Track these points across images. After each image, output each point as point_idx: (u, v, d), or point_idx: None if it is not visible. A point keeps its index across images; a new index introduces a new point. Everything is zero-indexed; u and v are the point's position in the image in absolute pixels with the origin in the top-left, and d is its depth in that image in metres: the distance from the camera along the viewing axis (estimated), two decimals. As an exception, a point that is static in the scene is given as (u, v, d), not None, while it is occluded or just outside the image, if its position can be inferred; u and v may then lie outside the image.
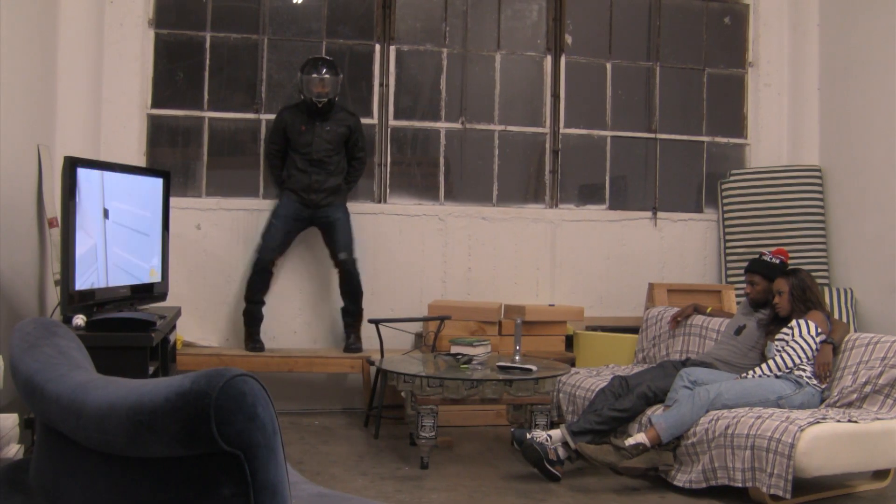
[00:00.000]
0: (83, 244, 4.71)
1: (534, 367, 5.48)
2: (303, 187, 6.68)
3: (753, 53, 8.02)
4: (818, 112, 7.78)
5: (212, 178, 7.12)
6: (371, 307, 6.96)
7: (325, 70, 6.67)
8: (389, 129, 7.35)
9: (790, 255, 5.91)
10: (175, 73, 7.15)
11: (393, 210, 7.28)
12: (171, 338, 5.63)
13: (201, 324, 6.92)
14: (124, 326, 4.54)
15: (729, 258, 7.64)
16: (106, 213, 5.02)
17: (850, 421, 4.68)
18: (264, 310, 6.86)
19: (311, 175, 6.68)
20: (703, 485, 4.83)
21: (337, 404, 7.13)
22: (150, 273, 5.68)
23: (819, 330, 5.20)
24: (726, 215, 7.70)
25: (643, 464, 4.93)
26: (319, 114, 6.69)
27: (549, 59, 7.66)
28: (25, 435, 4.22)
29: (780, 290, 5.38)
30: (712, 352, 5.75)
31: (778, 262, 5.62)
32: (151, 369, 4.70)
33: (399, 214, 7.28)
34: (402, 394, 5.87)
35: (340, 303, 6.93)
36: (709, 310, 6.38)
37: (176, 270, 6.53)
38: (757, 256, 5.79)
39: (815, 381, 5.13)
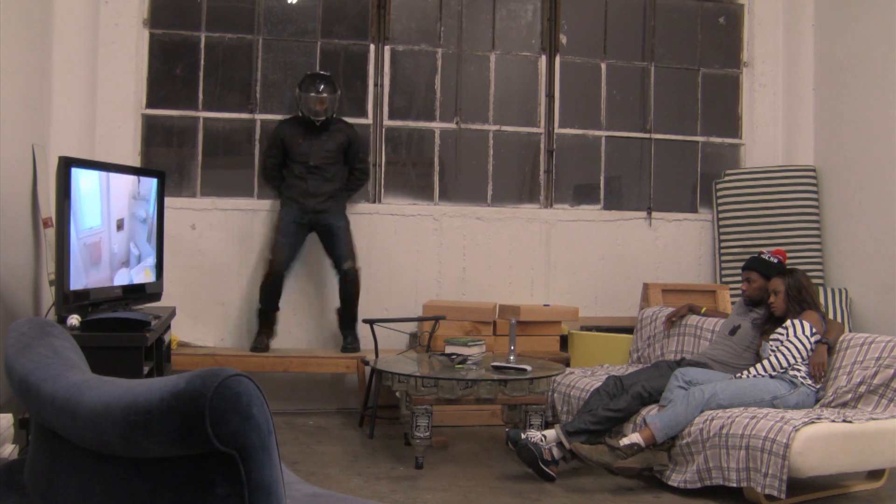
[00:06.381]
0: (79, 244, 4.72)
1: (528, 367, 5.48)
2: (300, 192, 6.67)
3: (748, 53, 8.03)
4: (813, 112, 7.79)
5: (206, 178, 7.12)
6: (366, 307, 6.96)
7: (322, 87, 6.67)
8: (384, 129, 7.35)
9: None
10: (170, 73, 7.14)
11: (388, 210, 7.28)
12: (166, 338, 5.63)
13: (196, 324, 6.91)
14: (119, 326, 4.54)
15: (724, 258, 7.65)
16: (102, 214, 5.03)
17: (844, 421, 4.68)
18: (278, 315, 6.89)
19: (308, 181, 6.67)
20: (698, 485, 4.83)
21: (332, 404, 7.13)
22: (144, 273, 5.68)
23: (814, 330, 5.21)
24: (721, 215, 7.71)
25: (638, 464, 4.93)
26: (317, 128, 6.69)
27: (543, 58, 7.66)
28: (20, 435, 4.22)
29: (776, 289, 5.39)
30: (707, 352, 5.75)
31: (776, 261, 5.63)
32: (146, 369, 4.70)
33: (394, 214, 7.28)
34: (397, 394, 5.88)
35: (336, 304, 6.93)
36: (703, 310, 6.39)
37: (171, 270, 6.52)
38: (756, 255, 5.81)
39: (809, 382, 5.14)
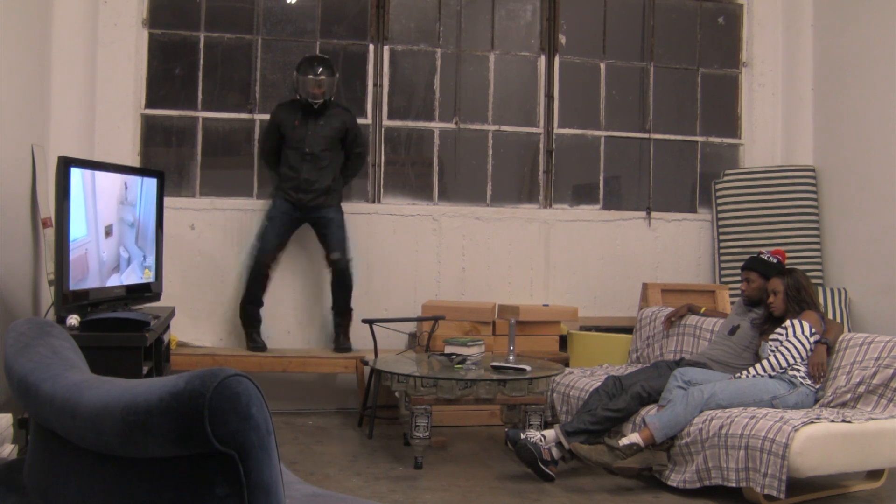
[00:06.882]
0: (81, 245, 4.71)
1: (528, 367, 5.48)
2: (293, 187, 6.66)
3: (747, 53, 8.04)
4: (812, 112, 7.79)
5: (206, 178, 7.11)
6: (365, 307, 6.96)
7: (321, 70, 6.65)
8: (383, 129, 7.35)
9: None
10: (169, 73, 7.14)
11: (387, 210, 7.28)
12: (166, 338, 5.63)
13: (195, 324, 6.91)
14: (118, 326, 4.54)
15: (723, 258, 7.65)
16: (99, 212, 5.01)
17: (844, 421, 4.68)
18: (262, 311, 6.87)
19: (302, 173, 6.65)
20: (697, 485, 4.83)
21: (331, 404, 7.13)
22: (144, 273, 5.68)
23: (813, 330, 5.21)
24: (720, 215, 7.71)
25: (637, 464, 4.93)
26: (314, 112, 6.68)
27: (542, 58, 7.66)
28: (20, 435, 4.22)
29: (776, 289, 5.39)
30: (706, 352, 5.75)
31: (775, 261, 5.63)
32: (145, 369, 4.70)
33: (393, 214, 7.28)
34: (396, 394, 5.88)
35: (332, 302, 6.94)
36: (703, 310, 6.39)
37: (170, 270, 6.52)
38: (755, 255, 5.81)
39: (809, 382, 5.14)
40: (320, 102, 6.64)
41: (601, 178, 7.80)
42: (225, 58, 7.22)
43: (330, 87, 6.69)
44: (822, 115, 7.71)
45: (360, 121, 7.17)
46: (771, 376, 5.17)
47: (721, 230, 7.70)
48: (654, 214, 7.77)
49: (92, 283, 4.96)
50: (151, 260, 5.80)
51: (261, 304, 6.83)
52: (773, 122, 8.00)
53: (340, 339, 6.87)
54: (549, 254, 7.54)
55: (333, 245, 6.77)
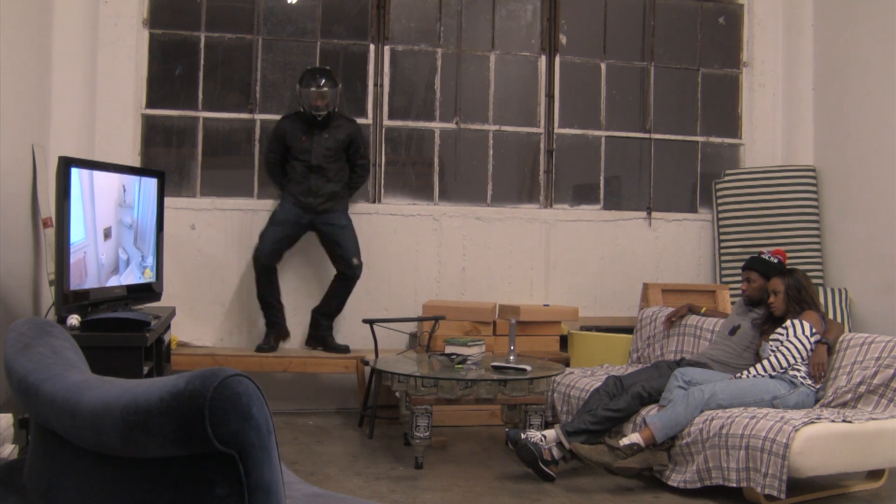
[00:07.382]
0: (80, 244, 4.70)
1: (528, 367, 5.48)
2: (301, 191, 6.66)
3: (748, 53, 8.03)
4: (812, 112, 7.79)
5: (206, 178, 7.11)
6: (365, 307, 6.97)
7: (323, 82, 6.64)
8: (384, 129, 7.35)
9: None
10: (169, 73, 7.14)
11: (387, 210, 7.28)
12: (166, 338, 5.63)
13: (196, 324, 6.91)
14: (119, 326, 4.54)
15: (723, 258, 7.65)
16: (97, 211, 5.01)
17: (844, 421, 4.68)
18: (282, 310, 6.92)
19: (311, 180, 6.65)
20: (698, 485, 4.83)
21: (331, 404, 7.13)
22: (144, 273, 5.67)
23: (814, 330, 5.21)
24: (721, 215, 7.71)
25: (638, 464, 4.93)
26: (318, 124, 6.68)
27: (543, 58, 7.66)
28: (20, 435, 4.21)
29: (776, 289, 5.39)
30: (707, 352, 5.75)
31: (776, 261, 5.63)
32: (146, 369, 4.70)
33: (394, 214, 7.28)
34: (397, 394, 5.87)
35: (326, 305, 6.95)
36: (703, 310, 6.38)
37: (171, 270, 6.52)
38: (756, 255, 5.81)
39: (809, 382, 5.14)
40: (324, 114, 6.64)
41: (602, 178, 7.80)
42: (225, 58, 7.22)
43: (333, 98, 6.68)
44: (822, 115, 7.71)
45: (361, 121, 7.17)
46: (771, 376, 5.17)
47: (721, 230, 7.70)
48: (654, 214, 7.76)
49: (91, 285, 4.95)
50: (151, 260, 5.80)
51: (273, 299, 6.85)
52: (774, 122, 8.00)
53: (331, 338, 6.87)
54: (550, 254, 7.54)
55: (352, 250, 6.76)
